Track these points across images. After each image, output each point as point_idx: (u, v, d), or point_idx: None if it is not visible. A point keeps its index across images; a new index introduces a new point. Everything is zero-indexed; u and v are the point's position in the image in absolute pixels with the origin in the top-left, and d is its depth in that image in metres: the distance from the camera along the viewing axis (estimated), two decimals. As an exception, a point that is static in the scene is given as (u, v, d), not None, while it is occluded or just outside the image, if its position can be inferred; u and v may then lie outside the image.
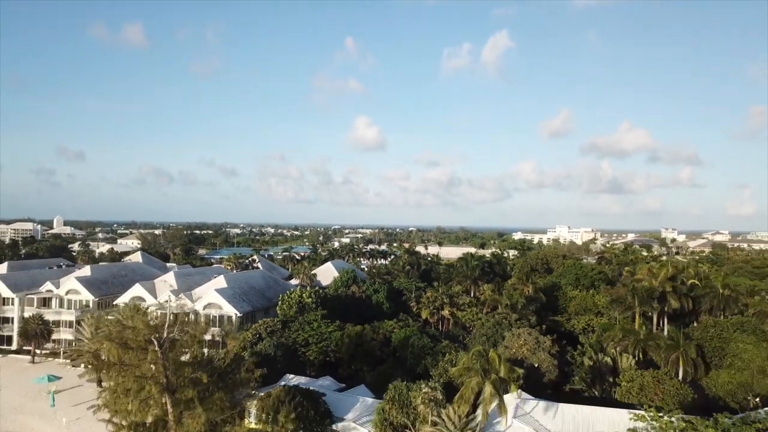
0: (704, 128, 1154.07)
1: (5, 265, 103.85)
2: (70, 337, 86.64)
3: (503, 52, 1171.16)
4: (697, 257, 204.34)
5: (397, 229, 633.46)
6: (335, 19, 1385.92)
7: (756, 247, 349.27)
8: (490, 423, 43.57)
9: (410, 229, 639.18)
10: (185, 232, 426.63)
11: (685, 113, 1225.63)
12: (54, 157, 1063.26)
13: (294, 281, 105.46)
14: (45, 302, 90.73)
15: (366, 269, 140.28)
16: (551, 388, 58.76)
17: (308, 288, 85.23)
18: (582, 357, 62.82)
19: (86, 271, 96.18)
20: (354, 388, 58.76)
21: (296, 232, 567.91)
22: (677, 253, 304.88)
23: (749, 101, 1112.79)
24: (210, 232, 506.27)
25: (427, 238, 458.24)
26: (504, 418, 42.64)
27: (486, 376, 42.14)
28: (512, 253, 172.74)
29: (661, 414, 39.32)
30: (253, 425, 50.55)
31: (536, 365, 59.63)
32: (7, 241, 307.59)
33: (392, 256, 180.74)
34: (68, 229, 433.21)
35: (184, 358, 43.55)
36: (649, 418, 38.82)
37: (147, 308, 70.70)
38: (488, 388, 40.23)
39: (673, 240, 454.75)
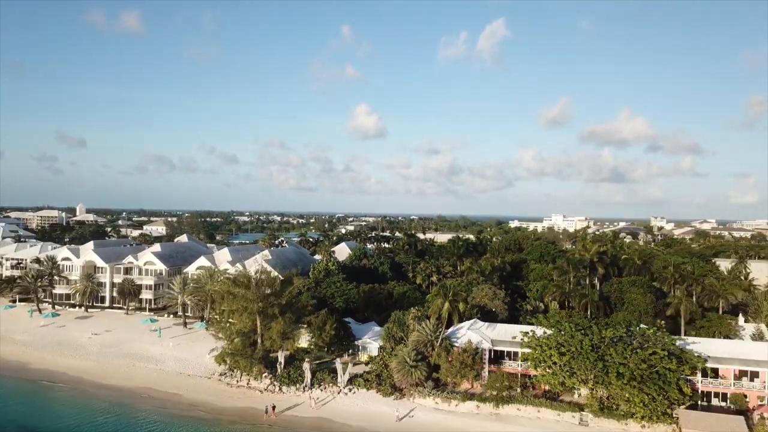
0: (704, 117, 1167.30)
1: (91, 243, 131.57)
2: (150, 296, 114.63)
3: (500, 41, 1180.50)
4: (667, 242, 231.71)
5: (400, 218, 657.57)
6: (332, 5, 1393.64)
7: (735, 234, 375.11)
8: (454, 333, 71.23)
9: (412, 217, 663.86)
10: (200, 220, 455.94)
11: (685, 102, 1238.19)
12: (55, 144, 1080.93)
13: (317, 256, 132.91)
14: (127, 271, 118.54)
15: (371, 250, 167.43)
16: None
17: (331, 259, 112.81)
18: (527, 305, 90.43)
19: (157, 247, 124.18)
20: (367, 323, 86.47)
21: (302, 220, 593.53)
22: (661, 240, 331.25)
23: (750, 90, 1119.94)
24: (220, 219, 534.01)
25: (428, 226, 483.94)
26: (461, 329, 70.31)
27: (446, 299, 69.97)
28: (496, 237, 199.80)
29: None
30: (303, 345, 78.17)
31: (493, 309, 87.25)
32: (35, 227, 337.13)
33: (393, 242, 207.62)
34: (90, 217, 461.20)
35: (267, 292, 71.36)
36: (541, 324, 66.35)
37: (216, 271, 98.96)
38: (446, 305, 68.08)
39: (660, 228, 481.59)
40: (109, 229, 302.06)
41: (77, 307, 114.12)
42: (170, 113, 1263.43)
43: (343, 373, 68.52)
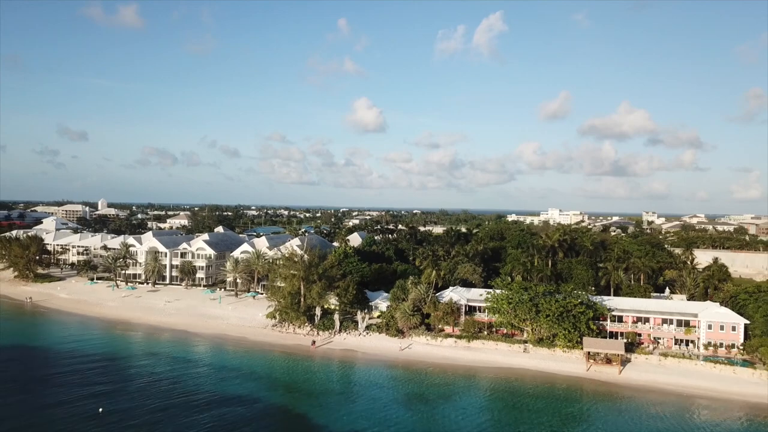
0: (703, 110, 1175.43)
1: (150, 232, 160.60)
2: (202, 275, 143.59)
3: (497, 34, 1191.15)
4: (636, 233, 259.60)
5: (403, 212, 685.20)
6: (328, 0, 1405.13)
7: (719, 228, 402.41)
8: (441, 294, 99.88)
9: (415, 211, 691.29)
10: (215, 213, 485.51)
11: (684, 95, 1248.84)
12: (57, 137, 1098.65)
13: (335, 243, 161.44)
14: (183, 255, 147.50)
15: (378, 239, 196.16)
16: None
17: (346, 245, 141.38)
18: (499, 279, 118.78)
19: (206, 236, 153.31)
20: (378, 292, 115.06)
21: (308, 214, 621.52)
22: (648, 232, 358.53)
23: (749, 83, 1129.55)
24: (230, 213, 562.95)
25: (429, 220, 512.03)
26: (446, 291, 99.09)
27: (434, 269, 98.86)
28: (483, 229, 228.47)
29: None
30: (333, 305, 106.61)
31: (473, 282, 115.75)
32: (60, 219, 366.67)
33: (397, 233, 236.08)
34: (112, 211, 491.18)
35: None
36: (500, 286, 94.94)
37: (260, 254, 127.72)
38: (433, 273, 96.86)
39: (651, 222, 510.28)
40: (135, 222, 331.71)
41: (145, 284, 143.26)
42: (171, 107, 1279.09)
43: (362, 322, 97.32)
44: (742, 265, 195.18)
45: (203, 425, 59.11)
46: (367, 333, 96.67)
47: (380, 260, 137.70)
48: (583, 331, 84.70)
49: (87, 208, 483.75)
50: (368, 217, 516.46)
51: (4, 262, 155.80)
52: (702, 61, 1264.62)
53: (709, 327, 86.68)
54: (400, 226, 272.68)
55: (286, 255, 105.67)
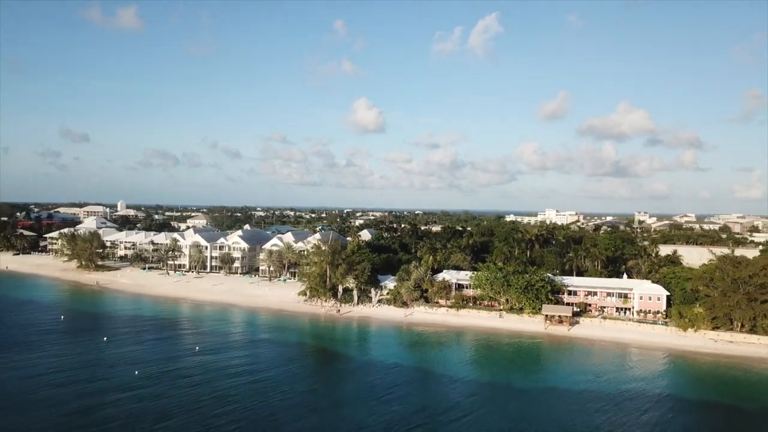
0: (702, 110, 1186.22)
1: (191, 229, 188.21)
2: (238, 264, 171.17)
3: (493, 35, 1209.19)
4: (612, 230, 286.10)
5: (405, 212, 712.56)
6: (326, 1, 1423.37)
7: (705, 227, 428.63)
8: (436, 275, 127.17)
9: (417, 212, 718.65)
10: (228, 215, 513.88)
11: (682, 95, 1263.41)
12: (59, 139, 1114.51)
13: (348, 238, 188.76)
14: (221, 248, 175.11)
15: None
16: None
17: (359, 239, 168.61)
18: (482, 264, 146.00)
19: (239, 232, 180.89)
20: (386, 276, 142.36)
21: (313, 215, 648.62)
22: (640, 231, 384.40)
23: (747, 83, 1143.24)
24: (239, 214, 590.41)
25: (431, 220, 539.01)
26: (440, 273, 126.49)
27: (431, 254, 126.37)
28: (474, 227, 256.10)
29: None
30: (351, 285, 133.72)
31: (463, 267, 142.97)
32: (83, 221, 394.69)
33: (400, 231, 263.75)
34: (131, 212, 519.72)
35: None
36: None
37: (290, 246, 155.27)
38: (431, 259, 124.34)
39: (641, 221, 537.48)
40: (159, 221, 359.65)
41: (190, 272, 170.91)
42: (171, 108, 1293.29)
43: (375, 297, 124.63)
44: (704, 257, 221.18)
45: (267, 355, 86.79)
46: (379, 305, 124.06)
47: (387, 252, 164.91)
48: (543, 300, 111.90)
49: (108, 210, 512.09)
50: (372, 218, 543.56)
51: (67, 255, 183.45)
52: (699, 62, 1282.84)
53: (641, 298, 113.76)
54: (403, 225, 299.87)
55: (315, 245, 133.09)
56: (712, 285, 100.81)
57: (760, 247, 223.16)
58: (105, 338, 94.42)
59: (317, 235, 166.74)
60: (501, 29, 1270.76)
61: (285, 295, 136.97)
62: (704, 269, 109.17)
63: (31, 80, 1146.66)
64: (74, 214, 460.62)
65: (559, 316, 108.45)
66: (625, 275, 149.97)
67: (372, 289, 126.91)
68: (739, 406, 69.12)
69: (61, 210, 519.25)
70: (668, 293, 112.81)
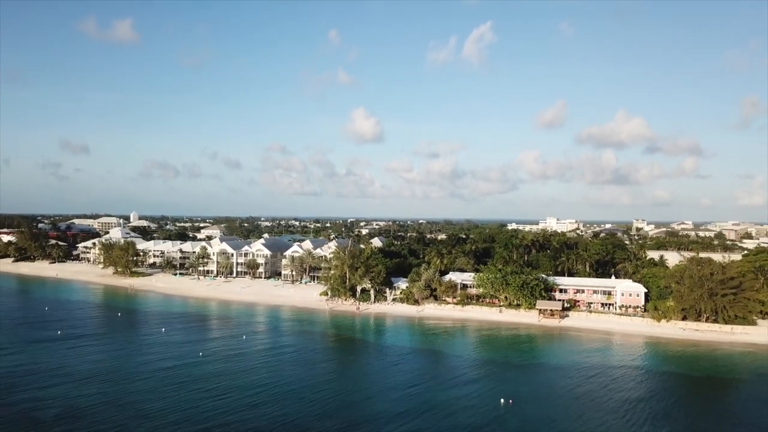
0: (701, 118, 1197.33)
1: (218, 238, 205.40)
2: (262, 270, 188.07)
3: (487, 44, 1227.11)
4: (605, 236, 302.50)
5: (408, 222, 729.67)
6: (320, 11, 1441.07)
7: (701, 234, 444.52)
8: (444, 276, 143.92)
9: (420, 221, 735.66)
10: (238, 225, 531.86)
11: (681, 104, 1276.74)
12: (59, 151, 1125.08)
13: (361, 246, 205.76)
14: (245, 255, 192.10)
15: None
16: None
17: (372, 246, 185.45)
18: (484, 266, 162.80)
19: (262, 240, 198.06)
20: (398, 278, 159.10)
21: (317, 224, 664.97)
22: (637, 238, 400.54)
23: (745, 91, 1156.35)
24: (247, 225, 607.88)
25: (435, 229, 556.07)
26: (447, 274, 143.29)
27: (439, 258, 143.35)
28: (476, 235, 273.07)
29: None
30: (367, 285, 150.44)
31: (467, 270, 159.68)
32: (109, 231, 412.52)
33: (407, 239, 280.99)
34: (144, 222, 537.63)
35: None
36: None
37: (310, 252, 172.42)
38: (438, 261, 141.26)
39: (639, 229, 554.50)
40: (177, 231, 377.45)
41: (218, 277, 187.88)
42: (170, 119, 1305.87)
43: (389, 296, 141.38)
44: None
45: (303, 340, 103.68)
46: (393, 303, 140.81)
47: (398, 257, 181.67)
48: (537, 297, 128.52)
49: (122, 221, 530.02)
50: (376, 227, 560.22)
51: (104, 263, 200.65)
52: (694, 68, 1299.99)
53: (623, 294, 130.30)
54: (410, 234, 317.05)
55: (336, 250, 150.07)
56: (681, 282, 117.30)
57: (744, 251, 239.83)
58: (163, 329, 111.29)
59: (333, 243, 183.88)
60: (495, 38, 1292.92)
61: (308, 296, 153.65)
62: (675, 269, 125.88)
63: (30, 92, 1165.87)
64: (89, 225, 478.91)
65: (551, 310, 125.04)
66: (613, 276, 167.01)
67: (386, 289, 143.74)
68: (700, 377, 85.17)
69: (76, 221, 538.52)
70: (646, 290, 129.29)
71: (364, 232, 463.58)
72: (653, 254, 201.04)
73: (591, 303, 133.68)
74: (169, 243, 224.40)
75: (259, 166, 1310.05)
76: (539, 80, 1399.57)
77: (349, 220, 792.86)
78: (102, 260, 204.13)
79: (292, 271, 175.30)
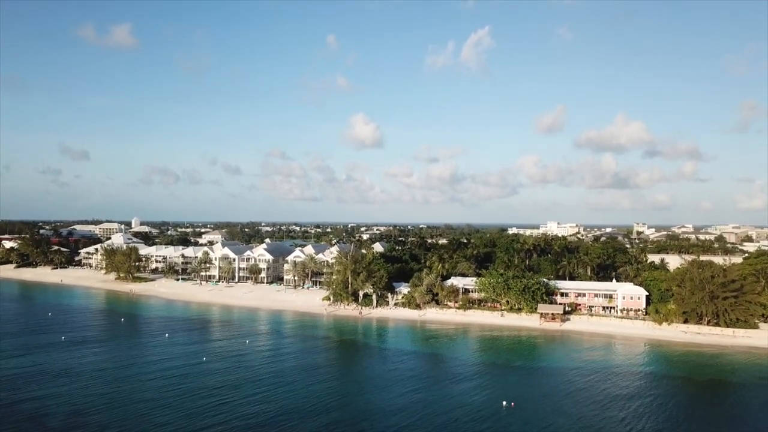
0: (700, 121, 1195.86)
1: (220, 243, 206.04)
2: (264, 274, 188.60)
3: (485, 49, 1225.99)
4: (605, 240, 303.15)
5: (409, 226, 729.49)
6: (318, 16, 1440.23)
7: (701, 237, 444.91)
8: (445, 281, 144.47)
9: (420, 226, 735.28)
10: (239, 230, 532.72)
11: (680, 107, 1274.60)
12: (59, 157, 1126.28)
13: (363, 251, 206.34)
14: (248, 260, 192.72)
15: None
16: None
17: (373, 251, 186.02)
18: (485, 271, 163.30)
19: (264, 245, 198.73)
20: (399, 283, 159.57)
21: (318, 230, 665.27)
22: (637, 242, 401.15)
23: (743, 94, 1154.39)
24: (248, 230, 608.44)
25: (435, 233, 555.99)
26: (449, 279, 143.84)
27: (440, 262, 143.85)
28: (477, 240, 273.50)
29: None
30: (369, 290, 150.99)
31: (468, 274, 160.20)
32: (111, 237, 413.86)
33: (408, 243, 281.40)
34: (145, 228, 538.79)
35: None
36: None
37: (312, 257, 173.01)
38: (440, 266, 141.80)
39: (639, 233, 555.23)
40: (178, 237, 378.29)
41: (221, 282, 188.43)
42: (170, 124, 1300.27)
43: (391, 301, 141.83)
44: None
45: (306, 343, 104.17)
46: (395, 307, 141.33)
47: (399, 262, 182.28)
48: (539, 301, 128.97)
49: (123, 226, 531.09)
50: (376, 232, 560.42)
51: (107, 268, 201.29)
52: (692, 72, 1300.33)
53: (624, 298, 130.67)
54: (410, 238, 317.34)
55: (338, 256, 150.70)
56: (682, 285, 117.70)
57: (745, 255, 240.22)
58: (167, 335, 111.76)
59: (335, 248, 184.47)
60: (493, 42, 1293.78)
61: (310, 300, 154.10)
62: (676, 272, 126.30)
63: (30, 98, 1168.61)
64: (90, 231, 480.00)
65: (553, 314, 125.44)
66: (614, 280, 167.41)
67: (388, 294, 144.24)
68: (701, 380, 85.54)
69: (77, 227, 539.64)
70: (647, 293, 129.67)
71: (365, 237, 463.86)
72: (654, 258, 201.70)
73: (592, 306, 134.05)
74: (171, 248, 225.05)
75: (259, 172, 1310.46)
76: (538, 84, 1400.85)
77: (349, 225, 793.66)
78: (104, 266, 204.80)
79: (294, 276, 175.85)
